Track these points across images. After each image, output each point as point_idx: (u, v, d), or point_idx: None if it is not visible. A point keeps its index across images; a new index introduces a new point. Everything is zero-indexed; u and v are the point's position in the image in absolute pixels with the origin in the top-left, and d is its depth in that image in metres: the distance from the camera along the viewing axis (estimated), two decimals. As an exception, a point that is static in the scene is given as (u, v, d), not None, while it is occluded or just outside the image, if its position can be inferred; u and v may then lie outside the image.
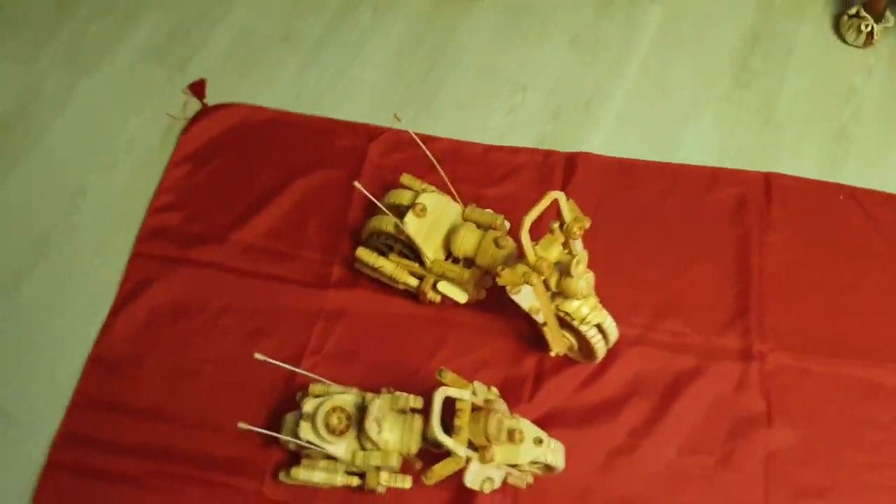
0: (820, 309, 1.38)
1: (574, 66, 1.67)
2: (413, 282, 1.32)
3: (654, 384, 1.32)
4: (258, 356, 1.06)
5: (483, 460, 1.07)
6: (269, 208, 1.47)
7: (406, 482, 1.17)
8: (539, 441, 1.12)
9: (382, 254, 1.33)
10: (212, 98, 1.61)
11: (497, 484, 1.11)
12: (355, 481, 1.18)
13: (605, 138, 1.57)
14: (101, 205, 1.50)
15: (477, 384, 1.15)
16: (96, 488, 1.24)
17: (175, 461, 1.25)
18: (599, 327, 1.23)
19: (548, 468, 1.17)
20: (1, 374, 1.34)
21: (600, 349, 1.26)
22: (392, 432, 1.14)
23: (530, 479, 1.18)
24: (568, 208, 1.14)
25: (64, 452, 1.26)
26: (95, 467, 1.25)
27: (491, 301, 1.33)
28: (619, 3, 1.74)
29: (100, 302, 1.39)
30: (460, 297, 1.29)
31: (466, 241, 1.26)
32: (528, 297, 1.17)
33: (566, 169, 1.52)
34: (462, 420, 1.08)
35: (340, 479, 1.17)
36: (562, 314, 1.20)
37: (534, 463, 1.15)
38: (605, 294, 1.22)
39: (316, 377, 1.20)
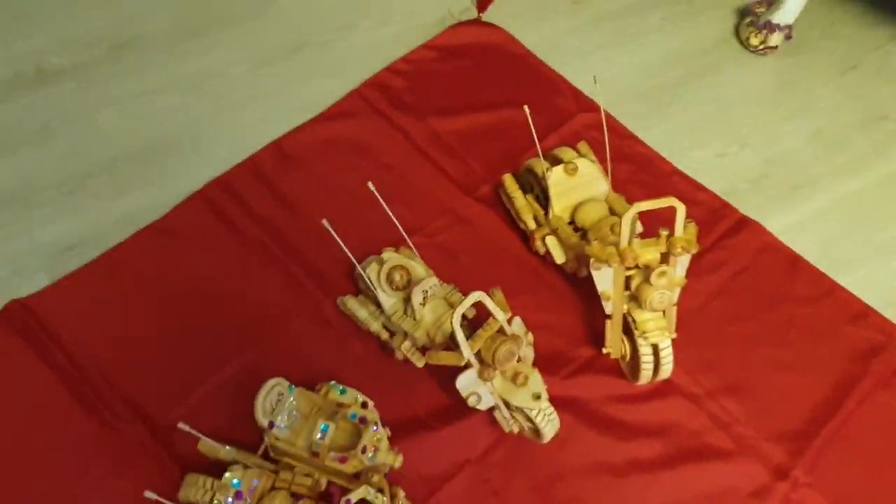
0: (878, 483, 1.29)
1: (804, 151, 1.65)
2: (532, 225, 1.42)
3: (679, 440, 1.32)
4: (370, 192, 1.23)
5: (480, 374, 1.17)
6: (470, 116, 1.65)
7: (420, 361, 1.30)
8: (537, 397, 1.19)
9: (524, 190, 1.45)
10: (488, 16, 1.81)
11: (482, 406, 1.21)
12: (385, 335, 1.33)
13: (786, 227, 1.54)
14: (358, 45, 1.77)
15: (518, 320, 1.24)
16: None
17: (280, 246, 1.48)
18: (655, 349, 1.26)
19: (534, 431, 1.24)
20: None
21: (646, 372, 1.29)
22: (431, 312, 1.27)
23: (514, 428, 1.26)
24: (683, 224, 1.19)
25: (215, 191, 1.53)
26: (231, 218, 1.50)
27: (587, 287, 1.40)
28: (883, 126, 1.69)
29: (313, 104, 1.65)
30: (559, 256, 1.38)
31: (589, 214, 1.34)
32: (604, 280, 1.23)
33: (733, 227, 1.53)
34: (483, 332, 1.18)
35: (375, 327, 1.33)
36: (629, 318, 1.25)
37: (523, 414, 1.22)
38: (691, 342, 1.25)
39: (412, 251, 1.35)
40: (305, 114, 1.64)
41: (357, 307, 1.34)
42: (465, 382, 1.19)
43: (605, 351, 1.33)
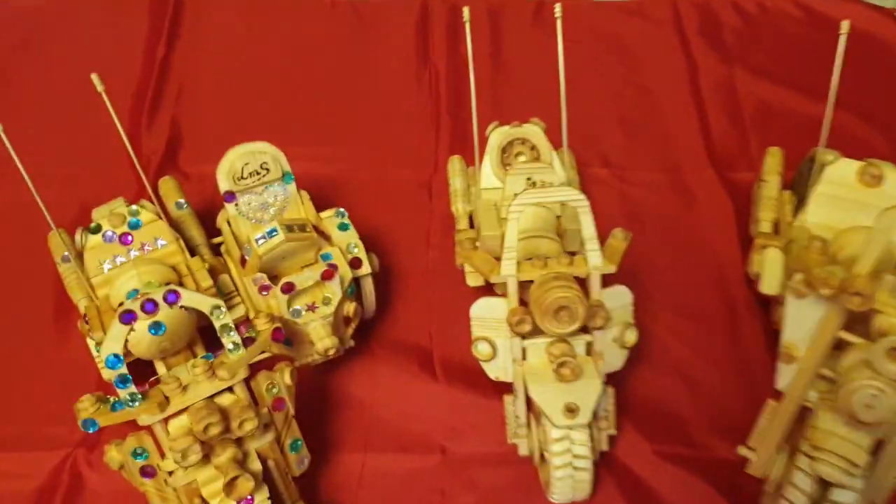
0: None
1: None
2: (765, 226, 0.89)
3: None
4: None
5: (509, 316, 0.70)
6: (787, 93, 1.13)
7: (458, 258, 0.88)
8: (571, 412, 0.68)
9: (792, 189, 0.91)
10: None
11: (489, 368, 0.75)
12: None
13: None
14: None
15: (625, 293, 0.74)
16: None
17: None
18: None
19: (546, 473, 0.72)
20: None
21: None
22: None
23: (522, 447, 0.76)
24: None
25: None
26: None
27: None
28: None
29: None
30: (771, 283, 0.80)
31: (852, 243, 0.76)
32: (801, 319, 0.67)
33: None
34: (543, 263, 0.71)
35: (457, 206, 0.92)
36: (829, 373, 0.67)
37: (543, 431, 0.72)
38: None
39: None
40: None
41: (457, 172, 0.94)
42: (483, 312, 0.73)
43: (742, 450, 0.75)
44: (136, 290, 0.70)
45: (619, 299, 0.74)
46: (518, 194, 0.70)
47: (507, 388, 0.76)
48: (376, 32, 1.21)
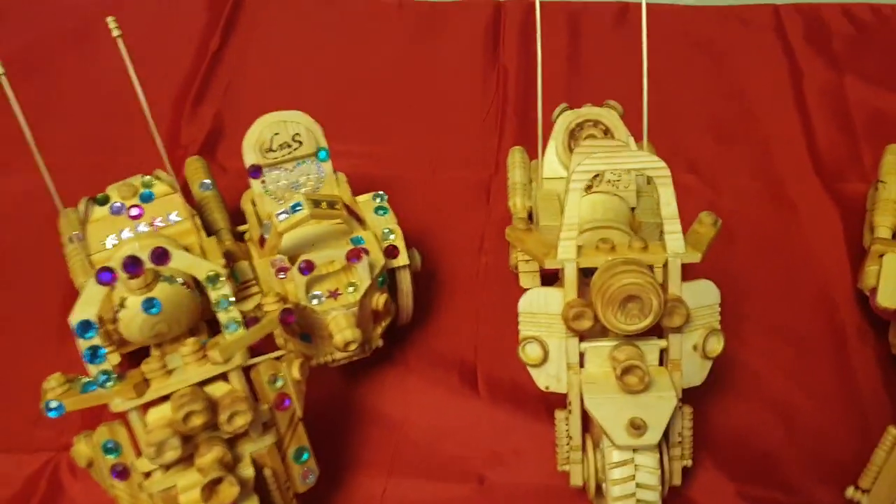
0: None
1: None
2: (884, 231, 0.74)
3: None
4: None
5: (564, 311, 0.57)
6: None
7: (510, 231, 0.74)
8: (638, 429, 0.54)
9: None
10: None
11: (538, 375, 0.62)
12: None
13: None
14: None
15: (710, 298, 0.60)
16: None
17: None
18: None
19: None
20: None
21: None
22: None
23: (576, 476, 0.62)
24: None
25: None
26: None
27: None
28: None
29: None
30: (888, 294, 0.66)
31: None
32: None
33: None
34: (609, 247, 0.58)
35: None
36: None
37: (601, 452, 0.58)
38: None
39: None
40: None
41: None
42: (533, 306, 0.60)
43: (851, 492, 0.59)
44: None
45: (704, 297, 0.60)
46: (583, 161, 0.57)
47: (560, 404, 0.63)
48: (443, 33, 1.13)
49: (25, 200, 0.91)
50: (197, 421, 0.52)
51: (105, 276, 0.52)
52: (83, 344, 0.53)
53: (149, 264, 0.53)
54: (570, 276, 0.58)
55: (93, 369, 0.53)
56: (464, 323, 0.79)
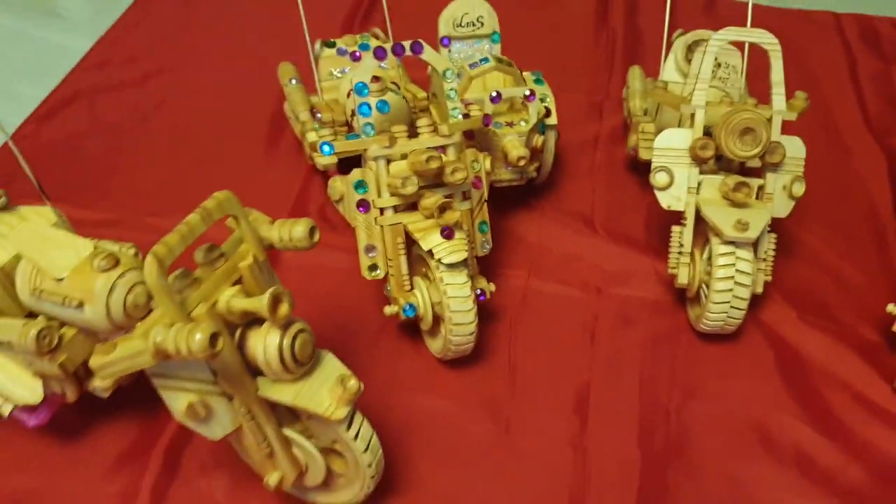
0: None
1: None
2: None
3: None
4: None
5: (692, 147, 0.77)
6: None
7: None
8: (744, 228, 0.74)
9: None
10: None
11: (665, 196, 0.80)
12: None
13: None
14: None
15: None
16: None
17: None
18: None
19: (699, 306, 0.77)
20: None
21: None
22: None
23: (682, 276, 0.81)
24: None
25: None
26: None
27: None
28: None
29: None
30: None
31: None
32: None
33: None
34: (731, 102, 0.78)
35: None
36: None
37: (709, 261, 0.77)
38: None
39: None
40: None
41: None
42: (667, 143, 0.80)
43: (892, 307, 0.77)
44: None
45: (794, 150, 0.80)
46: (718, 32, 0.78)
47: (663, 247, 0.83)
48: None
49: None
50: (434, 164, 0.72)
51: (380, 52, 0.73)
52: (357, 100, 0.73)
53: (408, 52, 0.74)
54: (699, 119, 0.78)
55: (362, 121, 0.73)
56: (584, 192, 1.00)
